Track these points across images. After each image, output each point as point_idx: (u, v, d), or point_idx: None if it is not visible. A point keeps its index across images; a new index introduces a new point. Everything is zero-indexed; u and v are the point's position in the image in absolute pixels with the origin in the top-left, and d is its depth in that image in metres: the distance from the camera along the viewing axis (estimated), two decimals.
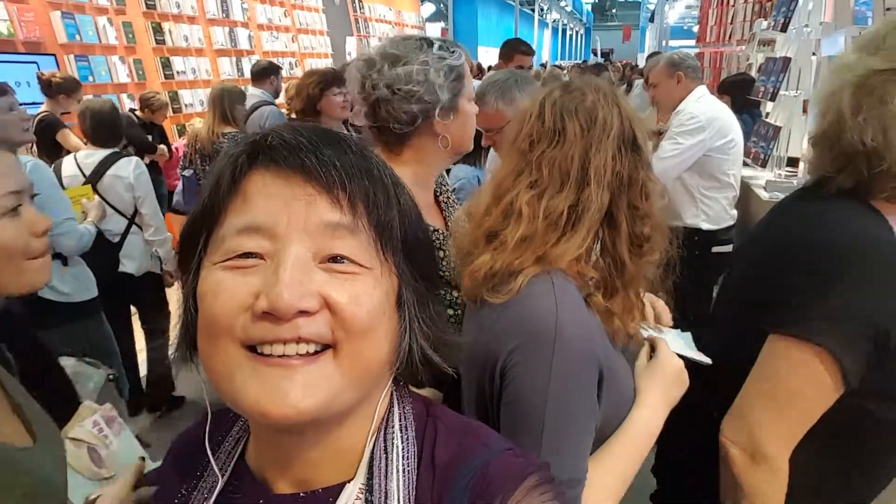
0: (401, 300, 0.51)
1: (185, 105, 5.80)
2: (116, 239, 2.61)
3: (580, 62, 17.89)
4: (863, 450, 0.96)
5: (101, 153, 2.63)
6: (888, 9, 2.36)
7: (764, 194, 2.89)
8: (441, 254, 1.20)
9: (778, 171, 3.05)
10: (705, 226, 2.74)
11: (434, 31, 19.01)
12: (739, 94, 3.32)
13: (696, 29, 13.43)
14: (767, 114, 3.15)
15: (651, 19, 25.15)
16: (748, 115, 3.36)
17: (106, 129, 2.67)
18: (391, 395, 0.55)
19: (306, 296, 0.43)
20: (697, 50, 11.19)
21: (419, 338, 0.52)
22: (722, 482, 0.99)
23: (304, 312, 0.43)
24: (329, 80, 2.66)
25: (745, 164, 2.88)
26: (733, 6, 8.21)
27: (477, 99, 1.71)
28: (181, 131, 5.44)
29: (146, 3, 5.47)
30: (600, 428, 0.86)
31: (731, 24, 8.31)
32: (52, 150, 3.54)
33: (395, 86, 1.09)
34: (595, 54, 34.13)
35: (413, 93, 1.09)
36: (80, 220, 2.38)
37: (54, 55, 4.43)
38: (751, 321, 0.96)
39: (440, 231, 1.23)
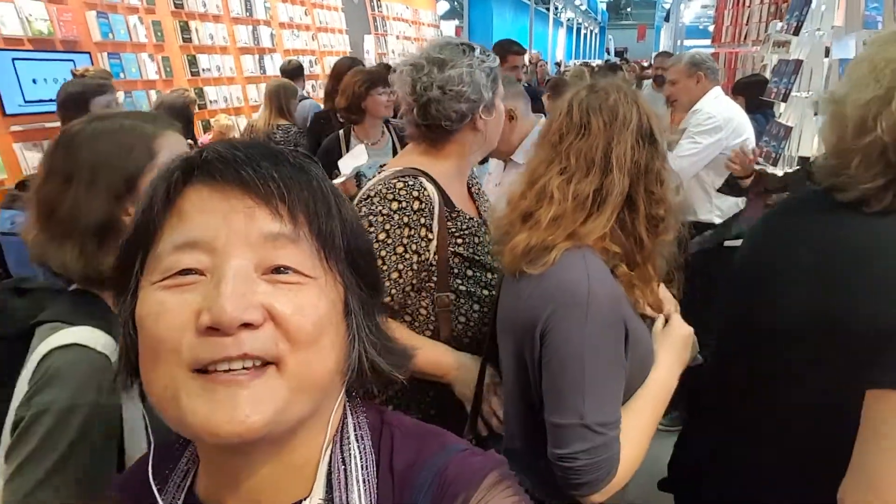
0: (348, 308, 0.51)
1: (210, 101, 5.96)
2: None
3: (588, 62, 17.90)
4: None
5: None
6: None
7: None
8: (476, 239, 1.33)
9: (788, 170, 3.14)
10: (718, 221, 2.85)
11: (449, 29, 19.09)
12: (753, 94, 3.42)
13: (711, 29, 13.41)
14: (780, 114, 3.24)
15: (666, 18, 25.07)
16: (761, 115, 3.46)
17: (181, 119, 2.93)
18: (344, 405, 0.54)
19: (249, 307, 0.43)
20: (713, 50, 11.20)
21: (367, 345, 0.52)
22: None
23: (248, 325, 0.43)
24: (375, 79, 2.71)
25: (757, 162, 2.98)
26: (749, 7, 8.23)
27: None
28: (206, 127, 5.60)
29: (174, 3, 5.63)
30: (627, 382, 0.99)
31: (747, 24, 8.34)
32: None
33: (446, 87, 1.22)
34: (609, 53, 34.02)
35: (462, 93, 1.23)
36: None
37: (89, 53, 4.60)
38: (842, 369, 0.87)
39: (473, 219, 1.36)
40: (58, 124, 4.21)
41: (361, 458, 0.51)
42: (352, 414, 0.54)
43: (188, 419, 0.43)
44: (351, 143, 2.73)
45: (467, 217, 1.33)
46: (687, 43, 23.31)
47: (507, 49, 3.67)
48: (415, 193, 1.24)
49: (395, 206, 1.22)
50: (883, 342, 0.80)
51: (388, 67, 3.75)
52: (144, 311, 0.45)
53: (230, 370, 0.43)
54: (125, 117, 0.99)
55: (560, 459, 0.95)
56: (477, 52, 1.28)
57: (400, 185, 1.24)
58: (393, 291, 1.23)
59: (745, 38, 8.46)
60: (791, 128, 2.85)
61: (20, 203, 2.39)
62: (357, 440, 0.52)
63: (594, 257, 1.00)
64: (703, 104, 2.80)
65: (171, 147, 0.96)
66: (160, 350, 0.44)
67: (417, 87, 1.24)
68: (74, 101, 2.54)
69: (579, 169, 1.02)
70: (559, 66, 21.72)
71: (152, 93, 5.21)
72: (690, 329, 1.11)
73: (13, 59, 3.97)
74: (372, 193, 1.25)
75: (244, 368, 0.43)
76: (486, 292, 1.32)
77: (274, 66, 7.04)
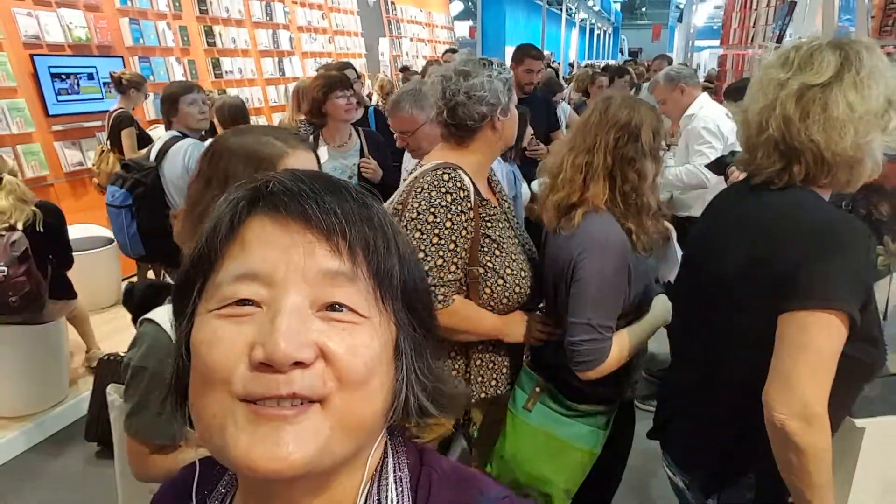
0: (399, 350, 0.51)
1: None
2: None
3: (592, 63, 17.96)
4: (834, 383, 1.06)
5: None
6: (873, 16, 2.65)
7: None
8: (500, 225, 1.60)
9: None
10: None
11: (462, 29, 19.30)
12: (742, 98, 3.61)
13: None
14: None
15: (680, 19, 25.08)
16: None
17: (239, 119, 3.54)
18: (385, 445, 0.54)
19: (303, 346, 0.43)
20: (721, 52, 11.31)
21: (416, 389, 0.52)
22: (779, 456, 1.07)
23: (300, 364, 0.43)
24: (333, 84, 2.67)
25: None
26: (756, 10, 8.38)
27: (392, 106, 2.12)
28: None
29: (199, 8, 5.94)
30: (630, 301, 1.50)
31: (754, 27, 8.48)
32: (121, 143, 4.03)
33: (470, 92, 1.49)
34: (622, 53, 33.98)
35: (483, 97, 1.50)
36: None
37: (122, 57, 4.91)
38: (761, 307, 1.08)
39: (496, 207, 1.63)
40: (96, 123, 4.54)
41: (398, 501, 0.51)
42: (393, 454, 0.54)
43: (230, 451, 0.43)
44: (319, 146, 2.75)
45: (492, 205, 1.58)
46: (699, 43, 23.25)
47: (526, 53, 3.82)
48: (458, 183, 1.48)
49: (449, 197, 1.47)
50: (789, 280, 1.04)
51: (344, 67, 3.81)
52: (200, 337, 0.46)
53: (278, 407, 0.43)
54: (264, 133, 1.09)
55: (570, 345, 1.45)
56: (494, 65, 1.57)
57: (447, 177, 1.49)
58: (460, 272, 1.50)
59: (752, 40, 8.59)
60: None
61: (120, 181, 2.92)
62: (396, 482, 0.52)
63: (609, 216, 1.45)
64: (693, 110, 3.01)
65: (297, 164, 1.05)
66: (213, 378, 0.44)
67: (447, 93, 1.51)
68: (169, 99, 3.09)
69: (579, 147, 1.48)
70: (572, 66, 21.83)
71: None
72: (668, 302, 1.57)
73: (53, 65, 4.29)
74: (425, 186, 1.48)
75: (291, 405, 0.43)
76: (508, 271, 1.56)
77: (293, 68, 7.34)
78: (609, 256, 1.42)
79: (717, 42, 15.21)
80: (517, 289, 1.57)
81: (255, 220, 0.48)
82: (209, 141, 3.38)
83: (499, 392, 1.64)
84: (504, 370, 1.66)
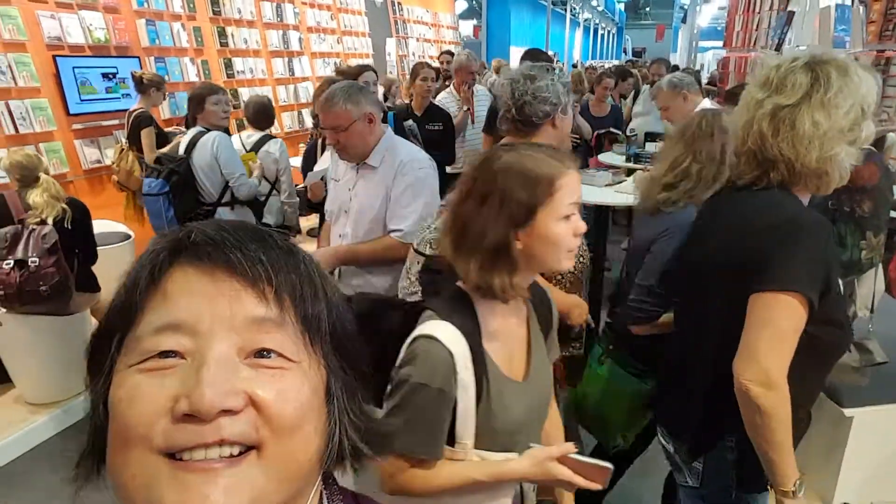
0: (330, 394, 0.50)
1: (244, 102, 6.39)
2: (262, 199, 3.53)
3: (581, 62, 17.99)
4: (804, 361, 1.22)
5: (258, 134, 3.69)
6: (872, 21, 2.76)
7: None
8: None
9: None
10: None
11: (467, 28, 19.40)
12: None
13: None
14: None
15: (684, 20, 25.14)
16: None
17: (262, 116, 3.75)
18: (320, 493, 0.53)
19: (230, 394, 0.41)
20: (725, 53, 11.38)
21: (349, 430, 0.51)
22: (746, 418, 1.22)
23: (227, 411, 0.41)
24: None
25: None
26: (759, 13, 8.47)
27: (325, 101, 2.15)
28: (241, 126, 6.01)
29: (213, 10, 6.06)
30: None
31: (757, 30, 8.57)
32: (140, 142, 4.16)
33: (536, 94, 1.76)
34: (626, 53, 34.00)
35: (546, 98, 1.77)
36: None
37: (138, 57, 5.04)
38: (734, 290, 1.24)
39: None
40: (114, 122, 4.67)
41: None
42: (328, 499, 0.53)
43: None
44: (327, 149, 2.83)
45: None
46: (702, 44, 23.30)
47: (535, 58, 3.98)
48: None
49: None
50: (758, 266, 1.20)
51: (361, 71, 3.88)
52: (118, 394, 0.43)
53: (206, 458, 0.41)
54: (537, 151, 1.10)
55: (630, 302, 1.81)
56: (556, 71, 1.83)
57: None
58: None
59: (755, 43, 8.68)
60: None
61: (155, 173, 3.19)
62: None
63: (694, 209, 1.68)
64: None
65: (570, 186, 1.07)
66: (130, 436, 0.41)
67: (515, 94, 1.78)
68: (197, 98, 3.37)
69: (699, 158, 1.75)
70: (575, 66, 21.90)
71: None
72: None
73: (75, 66, 4.42)
74: None
75: (220, 457, 0.41)
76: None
77: (302, 68, 7.47)
78: (681, 231, 1.66)
79: (720, 43, 15.31)
80: (579, 262, 1.79)
81: (177, 270, 0.47)
82: (236, 135, 3.62)
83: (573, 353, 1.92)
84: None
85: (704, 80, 12.67)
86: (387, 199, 2.13)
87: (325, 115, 2.09)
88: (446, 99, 4.60)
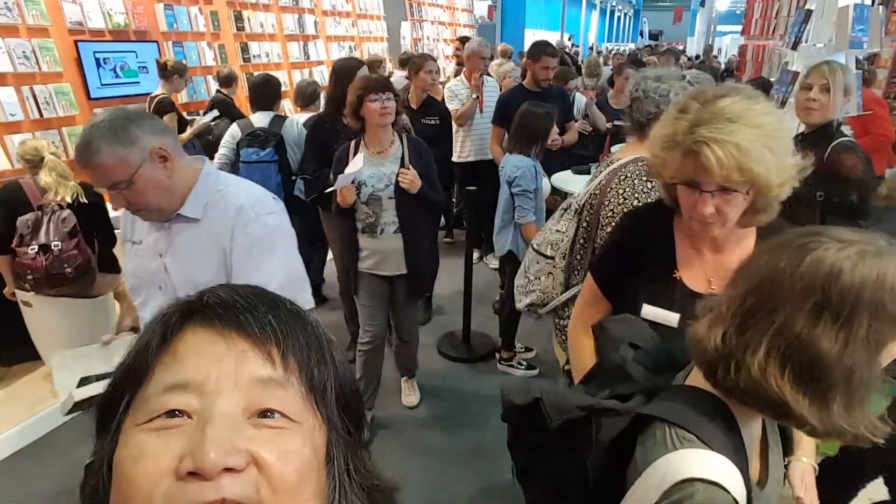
0: (330, 457, 0.50)
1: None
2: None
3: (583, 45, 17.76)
4: None
5: (308, 114, 3.93)
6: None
7: None
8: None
9: None
10: None
11: (481, 9, 19.19)
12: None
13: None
14: None
15: (702, 3, 24.72)
16: None
17: (309, 100, 4.08)
18: None
19: (233, 452, 0.42)
20: (743, 40, 11.26)
21: (349, 492, 0.51)
22: None
23: (230, 470, 0.41)
24: (369, 87, 2.54)
25: None
26: (778, 1, 8.36)
27: (81, 151, 1.40)
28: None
29: None
30: None
31: (776, 18, 8.47)
32: None
33: (648, 92, 1.75)
34: (642, 36, 33.54)
35: (656, 100, 1.74)
36: None
37: (157, 42, 5.10)
38: None
39: None
40: (134, 106, 4.74)
41: None
42: None
43: None
44: (360, 150, 2.66)
45: None
46: (720, 28, 22.96)
47: (543, 50, 3.99)
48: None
49: (650, 185, 1.69)
50: None
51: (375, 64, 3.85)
52: (124, 454, 0.44)
53: None
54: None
55: None
56: (687, 80, 1.77)
57: (646, 167, 1.67)
58: None
59: (773, 31, 8.58)
60: None
61: (255, 143, 3.50)
62: None
63: None
64: None
65: None
66: (132, 496, 0.41)
67: (636, 89, 1.78)
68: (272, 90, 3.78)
69: None
70: (591, 49, 21.68)
71: (209, 78, 5.70)
72: None
73: (97, 51, 4.49)
74: (628, 174, 1.73)
75: None
76: None
77: (317, 52, 7.49)
78: None
79: (738, 28, 15.11)
80: None
81: (188, 331, 0.48)
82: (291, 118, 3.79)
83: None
84: None
85: (723, 65, 12.51)
86: (225, 265, 1.52)
87: (91, 172, 1.42)
88: (457, 86, 4.62)
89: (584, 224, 1.86)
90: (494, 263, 4.50)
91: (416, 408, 3.26)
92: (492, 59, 5.76)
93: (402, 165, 2.61)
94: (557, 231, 1.94)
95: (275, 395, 0.46)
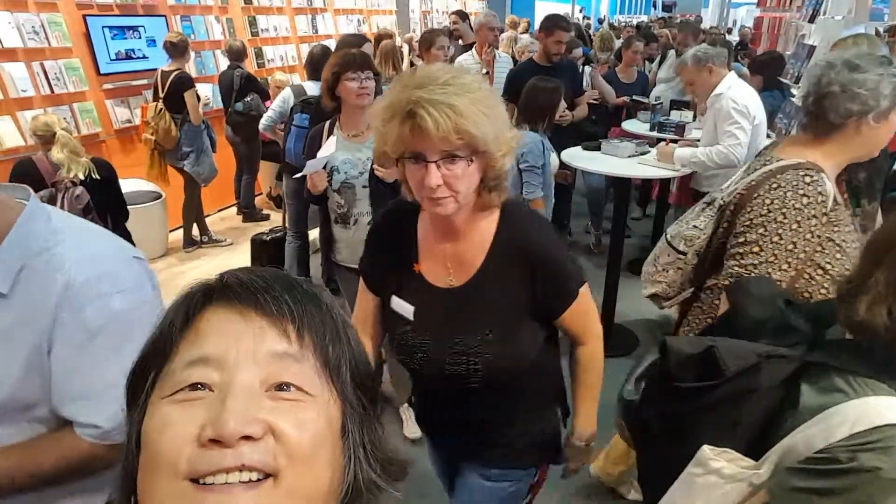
0: (345, 429, 0.52)
1: (268, 60, 6.40)
2: None
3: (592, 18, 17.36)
4: None
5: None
6: None
7: None
8: (846, 229, 1.51)
9: None
10: None
11: None
12: (770, 73, 3.65)
13: None
14: (793, 95, 3.51)
15: None
16: (779, 90, 3.69)
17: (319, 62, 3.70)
18: None
19: (251, 422, 0.44)
20: (758, 13, 10.99)
21: (364, 465, 0.53)
22: None
23: (248, 438, 0.44)
24: (346, 63, 2.31)
25: (768, 136, 3.28)
26: None
27: None
28: (264, 84, 6.05)
29: None
30: None
31: None
32: (178, 104, 4.23)
33: (847, 86, 1.39)
34: (655, 7, 32.77)
35: (859, 95, 1.39)
36: None
37: (165, 16, 5.06)
38: None
39: (846, 211, 1.53)
40: (142, 82, 4.73)
41: None
42: None
43: None
44: (334, 133, 2.42)
45: (843, 210, 1.52)
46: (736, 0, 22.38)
47: (556, 24, 3.90)
48: (819, 188, 1.43)
49: (805, 200, 1.43)
50: None
51: (361, 43, 3.41)
52: (151, 424, 0.47)
53: (227, 483, 0.43)
54: None
55: None
56: (892, 64, 1.43)
57: (808, 179, 1.44)
58: (800, 267, 1.47)
59: (790, 3, 8.37)
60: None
61: (307, 109, 3.38)
62: None
63: None
64: (722, 89, 3.05)
65: None
66: (159, 463, 0.45)
67: (822, 80, 1.42)
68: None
69: None
70: (602, 22, 21.24)
71: (218, 52, 5.66)
72: None
73: (106, 25, 4.47)
74: (782, 184, 1.46)
75: (240, 482, 0.44)
76: (840, 271, 1.49)
77: (325, 25, 7.41)
78: None
79: (753, 1, 14.69)
80: None
81: (209, 310, 0.51)
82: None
83: None
84: None
85: (736, 36, 12.21)
86: (39, 365, 0.93)
87: None
88: (467, 62, 4.54)
89: (725, 225, 1.65)
90: None
91: (420, 442, 2.58)
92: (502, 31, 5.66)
93: None
94: (695, 227, 1.75)
95: (290, 368, 0.49)
